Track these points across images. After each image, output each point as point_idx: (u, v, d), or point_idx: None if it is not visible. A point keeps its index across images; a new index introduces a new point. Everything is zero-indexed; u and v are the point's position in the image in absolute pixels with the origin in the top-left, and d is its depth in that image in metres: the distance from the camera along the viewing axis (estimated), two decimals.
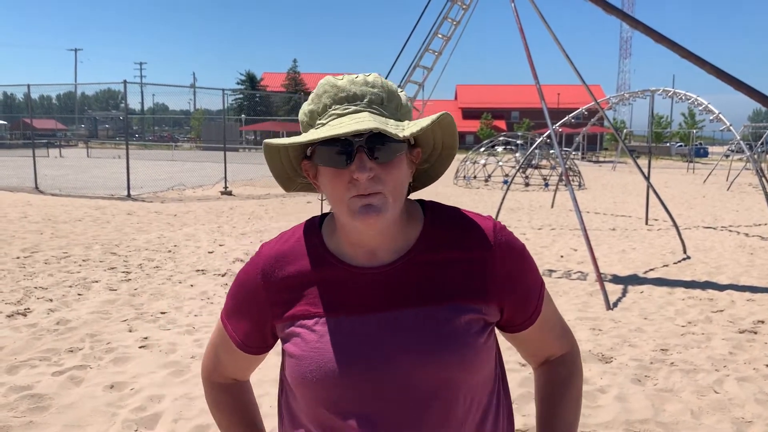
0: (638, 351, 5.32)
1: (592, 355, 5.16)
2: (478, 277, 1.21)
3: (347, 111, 1.13)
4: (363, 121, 1.08)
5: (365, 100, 1.14)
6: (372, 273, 1.21)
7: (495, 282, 1.21)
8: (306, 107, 1.19)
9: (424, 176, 1.32)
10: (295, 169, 1.26)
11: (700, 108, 14.53)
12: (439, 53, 9.41)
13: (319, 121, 1.16)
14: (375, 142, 1.10)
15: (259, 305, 1.27)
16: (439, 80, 9.88)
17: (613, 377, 4.68)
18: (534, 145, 14.40)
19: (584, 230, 7.29)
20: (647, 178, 10.21)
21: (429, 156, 1.28)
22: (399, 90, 1.22)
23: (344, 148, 1.10)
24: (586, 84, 8.81)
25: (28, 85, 18.79)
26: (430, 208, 1.28)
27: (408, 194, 1.25)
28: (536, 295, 1.28)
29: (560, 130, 14.97)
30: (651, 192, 10.74)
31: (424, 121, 1.11)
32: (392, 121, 1.14)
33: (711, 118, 14.37)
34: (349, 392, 1.16)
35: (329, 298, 1.22)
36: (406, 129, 1.09)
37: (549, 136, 14.91)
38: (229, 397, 1.44)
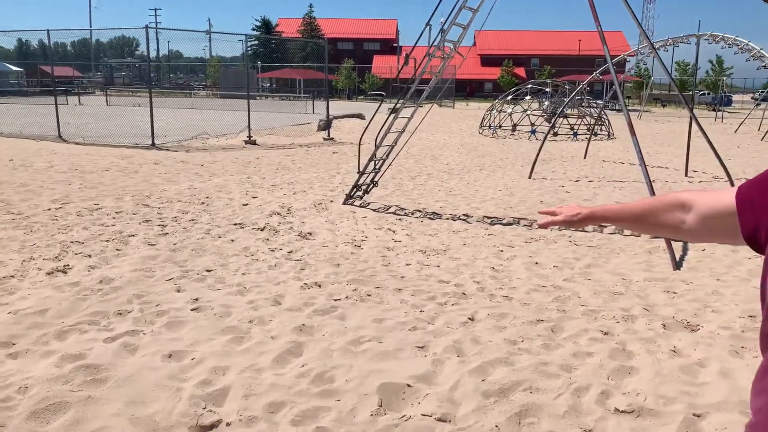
0: (725, 318, 4.93)
1: (677, 322, 4.79)
2: None
3: None
4: None
5: None
6: None
7: None
8: None
9: None
10: None
11: (750, 54, 13.85)
12: None
13: None
14: None
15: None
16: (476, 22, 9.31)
17: (709, 349, 4.29)
18: (574, 93, 13.84)
19: (649, 184, 6.86)
20: (701, 129, 9.66)
21: None
22: None
23: None
24: (644, 29, 8.26)
25: (48, 30, 18.25)
26: None
27: None
28: None
29: (589, 78, 14.35)
30: (694, 142, 10.21)
31: None
32: None
33: (764, 64, 13.69)
34: None
35: None
36: None
37: (590, 85, 14.31)
38: None
